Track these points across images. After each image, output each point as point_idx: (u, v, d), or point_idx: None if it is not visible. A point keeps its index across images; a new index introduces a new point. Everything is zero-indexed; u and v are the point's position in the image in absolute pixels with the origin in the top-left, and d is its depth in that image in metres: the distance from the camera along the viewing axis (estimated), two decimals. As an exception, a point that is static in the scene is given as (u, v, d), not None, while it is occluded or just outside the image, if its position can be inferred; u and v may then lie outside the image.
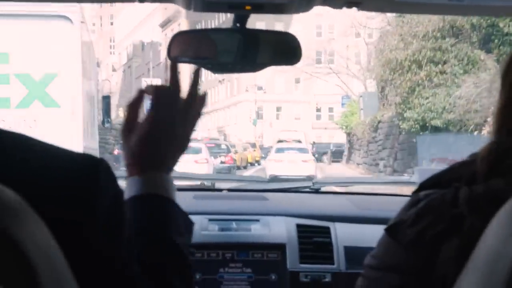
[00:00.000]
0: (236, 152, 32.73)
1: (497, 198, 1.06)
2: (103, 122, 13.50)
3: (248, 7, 1.82)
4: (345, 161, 34.96)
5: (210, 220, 2.42)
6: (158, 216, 1.20)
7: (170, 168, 1.28)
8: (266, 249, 2.36)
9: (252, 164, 36.07)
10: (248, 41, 1.92)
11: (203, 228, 2.37)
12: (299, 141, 35.38)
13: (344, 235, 2.42)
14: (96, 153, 11.73)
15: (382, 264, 1.25)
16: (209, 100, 58.85)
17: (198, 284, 2.28)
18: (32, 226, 0.84)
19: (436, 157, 19.52)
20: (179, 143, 1.28)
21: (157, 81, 38.69)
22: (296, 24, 48.21)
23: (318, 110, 53.18)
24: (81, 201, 0.95)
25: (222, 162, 27.19)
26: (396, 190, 3.81)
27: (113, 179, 0.99)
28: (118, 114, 45.90)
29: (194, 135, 1.36)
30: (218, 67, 2.11)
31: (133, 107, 1.25)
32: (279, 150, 27.69)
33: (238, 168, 29.80)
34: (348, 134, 34.34)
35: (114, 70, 69.64)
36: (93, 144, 12.59)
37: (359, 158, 29.87)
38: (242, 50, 1.93)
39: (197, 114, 1.31)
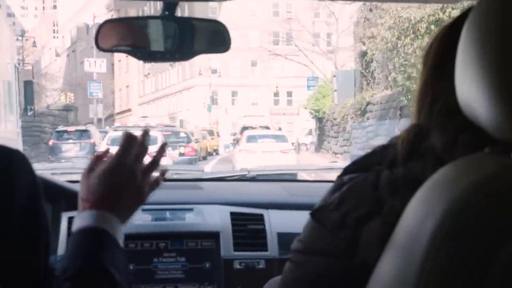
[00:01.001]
0: (197, 142, 29.09)
1: (415, 181, 1.10)
2: (25, 109, 12.93)
3: None
4: (313, 150, 32.69)
5: (144, 210, 2.39)
6: (95, 245, 1.22)
7: (122, 217, 1.31)
8: (200, 238, 2.43)
9: (210, 154, 33.53)
10: (176, 29, 1.95)
11: (137, 218, 2.22)
12: (267, 127, 31.70)
13: (277, 221, 2.50)
14: (14, 143, 10.54)
15: (307, 248, 1.28)
16: (160, 85, 59.03)
17: (133, 273, 2.30)
18: None
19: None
20: (134, 195, 1.32)
21: (101, 61, 35.42)
22: (252, 3, 45.56)
23: (276, 94, 52.00)
24: None
25: (181, 154, 23.67)
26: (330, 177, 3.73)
27: (29, 172, 0.96)
28: (60, 99, 44.55)
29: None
30: (147, 56, 2.16)
31: (99, 156, 1.33)
32: (251, 139, 23.40)
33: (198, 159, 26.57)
34: (320, 120, 31.36)
35: (57, 55, 68.33)
36: (11, 134, 11.90)
37: (337, 147, 27.20)
38: (172, 38, 1.97)
39: (155, 182, 1.39)
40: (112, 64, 57.52)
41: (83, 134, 24.71)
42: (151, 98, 60.20)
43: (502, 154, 1.07)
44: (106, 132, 26.13)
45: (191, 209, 2.55)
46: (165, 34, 1.99)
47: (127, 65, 58.71)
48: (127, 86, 61.82)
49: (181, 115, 51.49)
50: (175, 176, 3.50)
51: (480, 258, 0.97)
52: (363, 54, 24.04)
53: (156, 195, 2.13)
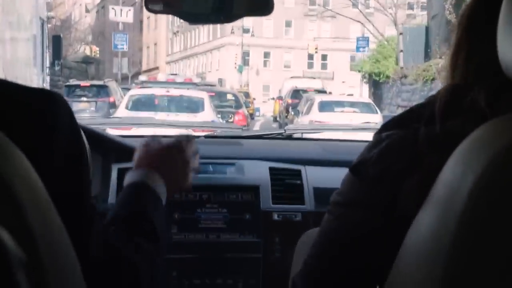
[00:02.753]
0: (248, 106, 24.36)
1: (454, 137, 1.14)
2: (52, 64, 12.93)
3: None
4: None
5: None
6: (146, 201, 1.38)
7: (167, 187, 1.49)
8: (240, 191, 2.57)
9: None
10: None
11: None
12: (324, 92, 26.97)
13: (313, 177, 2.63)
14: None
15: (346, 201, 1.35)
16: (189, 43, 57.63)
17: (177, 223, 2.51)
18: (17, 161, 0.89)
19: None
20: (183, 177, 1.53)
21: (128, 9, 32.41)
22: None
23: (311, 57, 49.65)
24: (39, 134, 1.01)
25: (229, 123, 18.08)
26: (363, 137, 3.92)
27: (69, 113, 1.05)
28: (84, 50, 43.72)
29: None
30: (193, 17, 2.27)
31: (159, 145, 1.52)
32: (326, 107, 18.41)
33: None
34: (376, 84, 27.61)
35: (87, 11, 67.51)
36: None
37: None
38: (217, 0, 2.05)
39: (196, 170, 1.63)
40: (141, 21, 57.26)
41: (100, 91, 19.56)
42: (179, 57, 59.31)
43: None
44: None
45: (232, 164, 2.70)
46: None
47: (155, 21, 58.26)
48: (155, 44, 61.49)
49: (210, 75, 50.45)
50: (216, 133, 3.79)
51: None
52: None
53: (200, 150, 2.20)
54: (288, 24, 50.22)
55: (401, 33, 24.78)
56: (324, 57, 50.16)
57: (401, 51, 23.93)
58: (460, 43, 1.31)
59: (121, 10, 31.17)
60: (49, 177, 0.94)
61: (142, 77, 25.34)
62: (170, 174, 1.48)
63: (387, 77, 25.29)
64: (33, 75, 12.37)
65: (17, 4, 11.82)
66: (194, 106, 13.76)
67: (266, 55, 53.08)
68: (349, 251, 1.32)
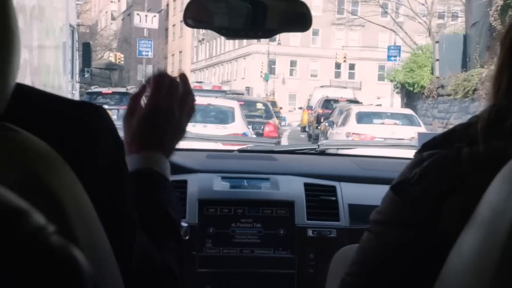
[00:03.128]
0: (278, 117, 22.58)
1: (498, 157, 1.17)
2: (82, 71, 12.65)
3: None
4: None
5: (223, 178, 2.69)
6: (151, 188, 1.36)
7: (167, 152, 1.45)
8: (275, 206, 2.59)
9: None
10: (257, 8, 2.13)
11: (216, 186, 2.66)
12: (357, 102, 26.28)
13: (348, 193, 2.66)
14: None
15: (386, 219, 1.37)
16: (214, 51, 58.39)
17: (212, 237, 2.54)
18: (65, 175, 0.93)
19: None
20: (175, 130, 1.46)
21: (153, 15, 32.11)
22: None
23: (338, 66, 50.29)
24: (85, 149, 1.04)
25: (259, 135, 16.22)
26: (397, 153, 4.01)
27: (113, 127, 1.09)
28: (108, 57, 44.93)
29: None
30: (231, 33, 2.31)
31: (136, 98, 1.45)
32: (364, 118, 17.16)
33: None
34: (409, 95, 26.72)
35: (113, 18, 69.13)
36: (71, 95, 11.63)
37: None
38: (252, 16, 2.12)
39: (190, 109, 1.50)
40: (166, 29, 58.20)
41: (123, 98, 18.70)
42: (204, 65, 60.22)
43: None
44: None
45: (267, 179, 2.73)
46: (246, 13, 2.15)
47: (181, 29, 59.15)
48: (180, 52, 62.55)
49: (235, 83, 50.93)
50: (249, 148, 3.85)
51: None
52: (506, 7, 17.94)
53: (234, 165, 2.75)
54: (315, 32, 50.47)
55: (437, 42, 23.79)
56: (351, 67, 50.68)
57: (437, 60, 22.85)
58: (503, 63, 1.32)
59: (146, 16, 31.35)
60: (93, 191, 0.97)
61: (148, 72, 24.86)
62: (164, 138, 1.44)
63: (422, 87, 24.39)
64: (61, 83, 12.06)
65: (47, 11, 11.43)
66: (223, 116, 12.61)
67: (293, 63, 53.47)
68: (389, 271, 1.34)
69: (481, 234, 1.10)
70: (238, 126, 12.10)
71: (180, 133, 1.46)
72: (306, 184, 2.65)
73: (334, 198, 2.63)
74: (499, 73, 1.33)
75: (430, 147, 1.33)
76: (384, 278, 1.33)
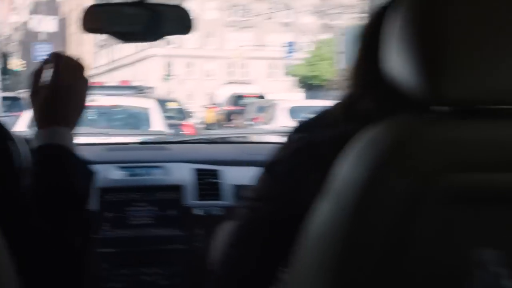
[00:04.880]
0: (190, 116, 20.99)
1: (351, 138, 1.24)
2: None
3: None
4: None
5: (121, 167, 2.81)
6: (56, 162, 1.39)
7: (72, 124, 1.49)
8: (166, 190, 2.74)
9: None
10: (148, 14, 2.25)
11: (115, 175, 2.77)
12: (262, 97, 25.43)
13: (232, 176, 2.81)
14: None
15: (259, 195, 1.47)
16: (114, 56, 58.01)
17: (110, 220, 2.63)
18: None
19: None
20: (76, 104, 1.49)
21: (52, 18, 31.09)
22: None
23: (231, 66, 51.39)
24: None
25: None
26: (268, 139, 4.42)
27: None
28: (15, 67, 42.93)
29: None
30: (126, 38, 2.44)
31: (37, 74, 1.48)
32: (299, 113, 15.09)
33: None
34: (310, 87, 26.77)
35: (16, 28, 67.46)
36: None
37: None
38: (145, 22, 2.26)
39: (86, 85, 1.53)
40: (65, 36, 57.17)
41: (13, 103, 16.06)
42: (106, 69, 59.27)
43: (417, 115, 1.24)
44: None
45: (160, 167, 2.87)
46: (140, 18, 2.26)
47: (81, 37, 57.93)
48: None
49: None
50: (148, 139, 4.00)
51: (403, 200, 1.15)
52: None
53: (132, 156, 2.95)
54: (209, 35, 51.21)
55: (342, 34, 23.83)
56: (244, 65, 51.25)
57: (342, 52, 23.04)
58: (361, 58, 1.44)
59: (43, 19, 30.10)
60: None
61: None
62: (68, 112, 1.45)
63: (324, 80, 25.14)
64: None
65: None
66: (135, 120, 8.87)
67: (189, 65, 53.71)
68: (262, 239, 1.45)
69: (334, 201, 1.19)
70: (156, 124, 8.90)
71: (81, 107, 1.49)
72: (194, 169, 2.80)
73: (219, 180, 2.79)
74: (357, 66, 1.44)
75: (297, 132, 1.46)
76: (258, 245, 1.46)
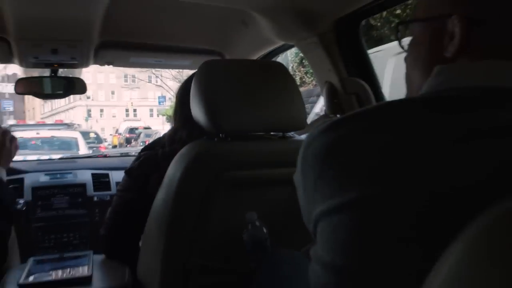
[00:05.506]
0: (105, 141, 24.63)
1: (175, 154, 1.61)
2: None
3: (56, 65, 2.55)
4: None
5: (46, 174, 3.18)
6: None
7: (4, 165, 1.94)
8: (76, 186, 3.11)
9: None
10: (59, 82, 2.68)
11: (42, 178, 3.12)
12: (149, 128, 31.07)
13: (116, 176, 3.22)
14: None
15: (123, 188, 1.87)
16: (55, 106, 63.94)
17: (40, 206, 3.01)
18: None
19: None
20: (7, 155, 1.96)
21: (12, 84, 26.45)
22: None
23: (127, 111, 57.16)
24: None
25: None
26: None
27: None
28: None
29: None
30: (45, 96, 2.75)
31: None
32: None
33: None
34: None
35: None
36: None
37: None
38: (57, 86, 2.65)
39: (16, 146, 2.01)
40: (23, 97, 46.47)
41: None
42: (49, 115, 63.74)
43: (209, 139, 1.61)
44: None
45: (71, 172, 3.20)
46: (53, 85, 2.62)
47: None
48: (33, 108, 66.98)
49: None
50: (65, 156, 4.23)
51: (204, 188, 1.54)
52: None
53: (53, 166, 3.27)
54: (112, 92, 57.94)
55: None
56: (135, 110, 57.09)
57: None
58: (177, 106, 1.87)
59: (6, 85, 33.17)
60: None
61: (10, 121, 25.01)
62: (1, 159, 1.88)
63: None
64: None
65: None
66: (67, 145, 12.25)
67: (101, 111, 58.83)
68: (126, 214, 1.85)
69: (164, 191, 1.56)
70: (83, 152, 11.65)
71: (9, 156, 1.94)
72: (92, 174, 3.19)
73: (108, 179, 3.19)
74: (176, 111, 1.88)
75: (145, 149, 1.86)
76: (123, 219, 1.88)
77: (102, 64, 2.68)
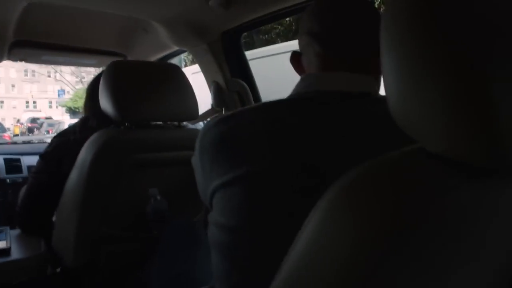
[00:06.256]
0: (9, 130, 24.66)
1: (85, 140, 1.61)
2: None
3: None
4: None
5: None
6: None
7: None
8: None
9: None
10: None
11: None
12: (51, 118, 30.35)
13: (27, 161, 3.13)
14: None
15: (38, 170, 1.83)
16: None
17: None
18: None
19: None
20: None
21: None
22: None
23: (27, 102, 54.92)
24: None
25: None
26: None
27: None
28: None
29: None
30: None
31: None
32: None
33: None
34: (74, 113, 32.96)
35: None
36: None
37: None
38: None
39: None
40: None
41: None
42: None
43: (116, 127, 1.67)
44: None
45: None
46: None
47: None
48: None
49: None
50: None
51: (113, 168, 1.57)
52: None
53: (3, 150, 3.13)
54: (13, 85, 54.41)
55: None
56: (34, 102, 54.24)
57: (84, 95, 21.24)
58: (86, 100, 1.88)
59: None
60: None
61: None
62: None
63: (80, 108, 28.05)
64: None
65: None
66: None
67: (1, 102, 54.45)
68: (40, 193, 1.79)
69: (77, 172, 1.60)
70: None
71: None
72: (4, 159, 3.08)
73: (20, 164, 3.07)
74: (86, 102, 1.91)
75: (58, 136, 1.84)
76: (37, 199, 1.84)
77: (15, 60, 2.67)
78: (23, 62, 2.77)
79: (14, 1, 1.93)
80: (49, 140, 2.94)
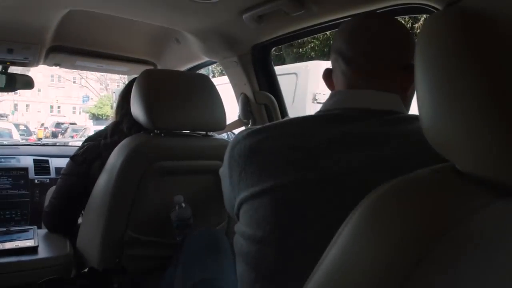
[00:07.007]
0: (34, 133, 23.98)
1: (116, 144, 1.61)
2: None
3: (8, 63, 2.46)
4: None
5: None
6: None
7: None
8: (19, 170, 3.01)
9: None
10: (10, 77, 2.64)
11: None
12: (75, 123, 29.51)
13: (56, 163, 3.13)
14: None
15: (67, 172, 1.80)
16: None
17: None
18: None
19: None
20: None
21: None
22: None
23: (52, 107, 55.72)
24: None
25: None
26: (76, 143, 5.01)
27: None
28: None
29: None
30: None
31: None
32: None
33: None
34: (97, 119, 32.67)
35: None
36: None
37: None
38: (8, 82, 2.62)
39: None
40: None
41: None
42: None
43: (147, 133, 1.66)
44: None
45: (15, 157, 3.13)
46: (5, 80, 2.58)
47: None
48: None
49: None
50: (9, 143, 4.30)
51: (140, 174, 1.55)
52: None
53: (3, 152, 3.11)
54: (39, 90, 54.44)
55: (114, 92, 24.98)
56: (59, 107, 55.10)
57: (115, 102, 23.27)
58: (119, 103, 1.84)
59: None
60: None
61: None
62: None
63: (108, 116, 31.02)
64: None
65: None
66: (3, 135, 12.93)
67: (27, 106, 54.87)
68: (68, 196, 1.80)
69: (106, 175, 1.58)
70: (15, 138, 12.64)
71: None
72: (34, 160, 3.13)
73: (48, 165, 3.11)
74: (118, 107, 1.87)
75: (88, 140, 1.82)
76: (67, 200, 1.85)
77: (50, 65, 2.69)
78: (58, 67, 2.77)
79: (56, 8, 1.96)
80: (75, 144, 2.71)
